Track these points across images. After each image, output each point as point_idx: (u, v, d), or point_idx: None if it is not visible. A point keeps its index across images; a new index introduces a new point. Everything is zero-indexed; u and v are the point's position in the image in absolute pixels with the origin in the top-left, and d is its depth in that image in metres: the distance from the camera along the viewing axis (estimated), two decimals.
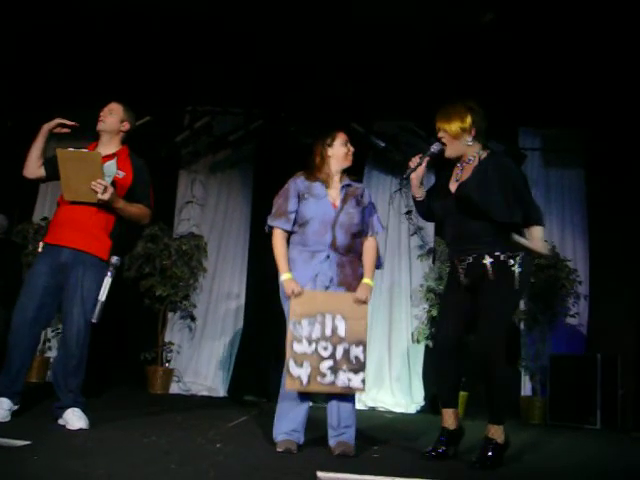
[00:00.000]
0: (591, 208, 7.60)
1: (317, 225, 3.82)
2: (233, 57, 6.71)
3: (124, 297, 7.32)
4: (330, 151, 3.97)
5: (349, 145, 4.02)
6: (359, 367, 3.68)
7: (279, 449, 3.61)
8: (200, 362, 7.61)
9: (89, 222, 4.01)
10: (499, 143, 7.08)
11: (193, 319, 7.65)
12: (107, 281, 4.02)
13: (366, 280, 3.84)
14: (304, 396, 3.80)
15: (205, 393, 7.35)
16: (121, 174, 4.13)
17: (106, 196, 3.90)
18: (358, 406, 6.99)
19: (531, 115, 7.41)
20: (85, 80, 7.04)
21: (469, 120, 3.77)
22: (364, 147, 7.58)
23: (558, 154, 7.78)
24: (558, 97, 6.85)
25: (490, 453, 3.55)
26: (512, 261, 3.60)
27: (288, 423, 3.75)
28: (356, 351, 3.69)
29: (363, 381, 3.68)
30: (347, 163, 4.00)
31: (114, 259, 4.06)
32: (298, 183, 3.94)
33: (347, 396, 3.78)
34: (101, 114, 4.22)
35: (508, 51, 6.26)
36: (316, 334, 3.69)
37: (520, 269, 3.60)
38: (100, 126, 4.20)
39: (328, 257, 3.80)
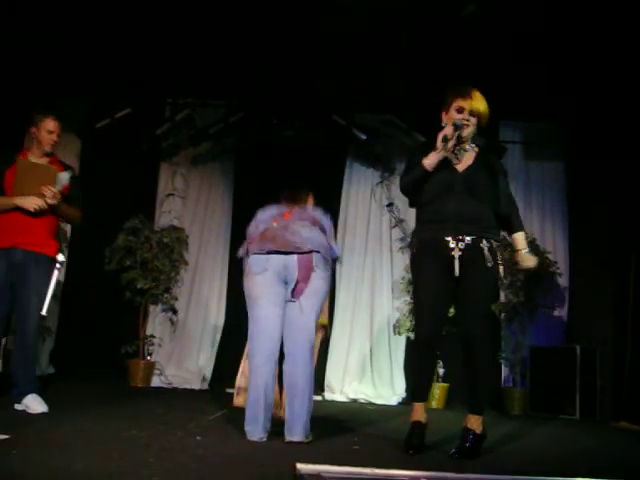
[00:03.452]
0: (571, 201, 7.64)
1: None
2: (213, 49, 6.67)
3: (105, 290, 7.32)
4: None
5: None
6: None
7: None
8: (181, 355, 7.59)
9: (38, 225, 4.34)
10: (480, 136, 7.10)
11: (174, 312, 7.63)
12: (55, 277, 4.34)
13: None
14: None
15: (186, 386, 7.33)
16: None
17: (54, 202, 4.28)
18: (339, 398, 7.08)
19: (512, 108, 7.43)
20: (66, 72, 6.98)
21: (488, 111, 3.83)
22: (346, 140, 7.60)
23: (538, 147, 7.81)
24: (539, 90, 6.87)
25: (469, 443, 3.58)
26: (499, 251, 3.68)
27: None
28: None
29: None
30: None
31: (60, 257, 4.40)
32: None
33: None
34: (53, 138, 4.42)
35: (489, 44, 6.27)
36: None
37: (502, 260, 3.68)
38: (53, 148, 4.47)
39: None
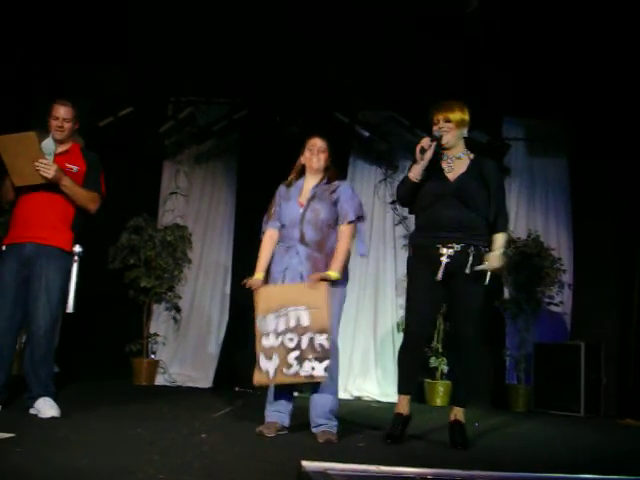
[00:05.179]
0: (575, 197, 7.62)
1: (288, 224, 4.08)
2: (216, 46, 6.66)
3: (109, 289, 7.32)
4: (302, 158, 4.21)
5: (315, 150, 4.16)
6: (324, 355, 3.81)
7: (256, 432, 3.84)
8: (185, 353, 7.59)
9: (49, 216, 4.14)
10: (483, 133, 7.10)
11: (178, 310, 7.62)
12: (74, 270, 4.16)
13: (329, 271, 3.94)
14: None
15: (191, 384, 7.33)
16: (75, 169, 4.24)
17: (50, 173, 4.01)
18: (344, 396, 7.06)
19: (515, 105, 7.41)
20: (68, 71, 6.98)
21: (467, 114, 4.01)
22: (349, 137, 7.59)
23: (542, 144, 7.79)
24: (542, 87, 6.86)
25: (466, 435, 3.83)
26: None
27: (272, 406, 4.01)
28: (320, 339, 3.83)
29: (326, 369, 3.80)
30: (311, 168, 4.17)
31: (77, 248, 4.18)
32: (280, 190, 4.24)
33: (325, 389, 3.94)
34: (58, 124, 4.23)
35: (492, 41, 6.25)
36: (281, 327, 3.87)
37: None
38: (60, 135, 4.25)
39: (298, 253, 4.01)
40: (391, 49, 6.49)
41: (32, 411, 4.02)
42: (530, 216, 7.68)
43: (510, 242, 7.15)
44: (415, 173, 3.90)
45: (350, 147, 7.83)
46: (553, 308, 7.22)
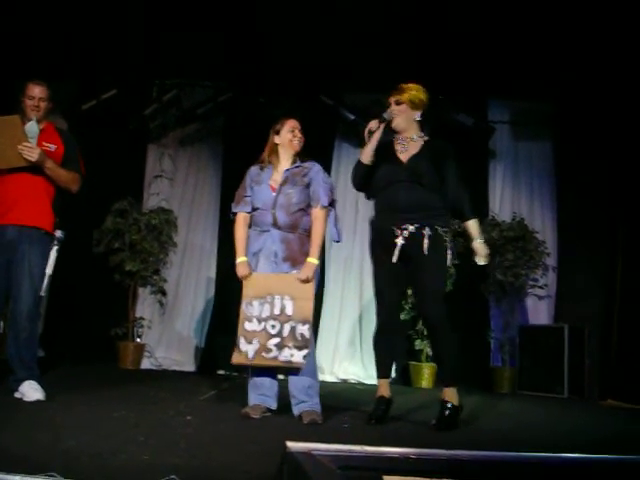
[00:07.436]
0: (559, 181, 7.65)
1: (261, 208, 4.11)
2: (201, 28, 6.61)
3: (94, 272, 7.29)
4: (277, 138, 4.22)
5: (296, 132, 4.22)
6: (304, 344, 3.88)
7: (241, 414, 3.88)
8: (171, 337, 7.59)
9: (30, 197, 4.11)
10: (468, 115, 7.10)
11: (164, 294, 7.61)
12: (53, 255, 4.12)
13: (309, 259, 4.00)
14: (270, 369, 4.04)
15: (176, 368, 7.34)
16: (52, 147, 4.23)
17: (34, 157, 4.00)
18: (329, 378, 7.10)
19: (500, 87, 7.41)
20: (51, 53, 6.90)
21: (423, 96, 4.04)
22: (334, 120, 7.57)
23: (527, 127, 7.81)
24: (528, 69, 6.85)
25: (447, 414, 3.79)
26: (446, 237, 3.88)
27: (255, 389, 4.03)
28: (302, 329, 3.90)
29: (304, 357, 3.87)
30: (292, 150, 4.21)
31: (58, 233, 4.15)
32: (252, 172, 4.25)
33: (301, 370, 3.96)
34: (34, 103, 4.19)
35: (478, 22, 6.24)
36: (265, 313, 3.95)
37: (451, 244, 3.93)
38: (36, 115, 4.20)
39: (271, 235, 4.05)
40: (377, 31, 6.47)
41: (17, 394, 4.02)
42: (515, 199, 7.70)
43: (494, 225, 7.18)
44: (365, 155, 3.94)
45: (335, 130, 7.81)
46: (537, 291, 7.27)
